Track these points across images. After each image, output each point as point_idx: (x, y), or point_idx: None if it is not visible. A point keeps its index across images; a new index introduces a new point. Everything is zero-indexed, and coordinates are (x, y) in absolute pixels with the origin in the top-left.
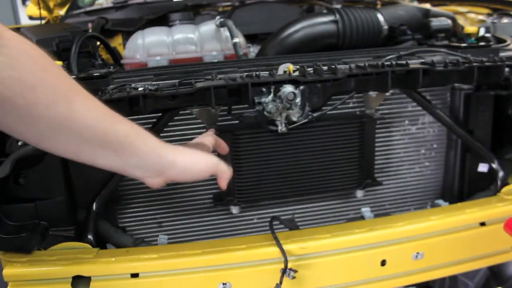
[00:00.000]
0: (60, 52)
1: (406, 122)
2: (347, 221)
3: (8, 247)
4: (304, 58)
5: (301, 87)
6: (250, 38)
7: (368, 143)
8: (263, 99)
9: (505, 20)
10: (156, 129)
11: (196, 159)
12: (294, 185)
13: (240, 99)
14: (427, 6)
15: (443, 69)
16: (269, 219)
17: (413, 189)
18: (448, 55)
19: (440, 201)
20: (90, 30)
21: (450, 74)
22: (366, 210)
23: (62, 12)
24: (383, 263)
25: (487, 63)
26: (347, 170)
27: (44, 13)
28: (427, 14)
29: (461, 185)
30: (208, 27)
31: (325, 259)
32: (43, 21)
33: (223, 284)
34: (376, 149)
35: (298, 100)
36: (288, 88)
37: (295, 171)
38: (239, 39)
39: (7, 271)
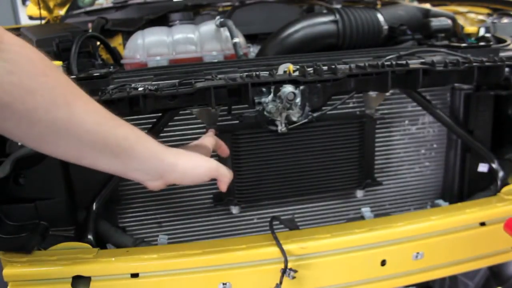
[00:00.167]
0: (60, 52)
1: (406, 122)
2: (347, 221)
3: (8, 247)
4: (304, 58)
5: (301, 87)
6: (250, 38)
7: (368, 143)
8: (263, 99)
9: (505, 20)
10: (156, 129)
11: (197, 163)
12: (294, 185)
13: (240, 99)
14: (427, 6)
15: (443, 69)
16: (269, 219)
17: (413, 189)
18: (448, 55)
19: (440, 201)
20: (90, 30)
21: (450, 74)
22: (366, 210)
23: (62, 12)
24: (383, 263)
25: (487, 63)
26: (347, 170)
27: (44, 13)
28: (427, 14)
29: (461, 185)
30: (208, 27)
31: (325, 259)
32: (43, 21)
33: (223, 284)
34: (376, 149)
35: (298, 100)
36: (288, 88)
37: (295, 171)
38: (239, 39)
39: (7, 271)
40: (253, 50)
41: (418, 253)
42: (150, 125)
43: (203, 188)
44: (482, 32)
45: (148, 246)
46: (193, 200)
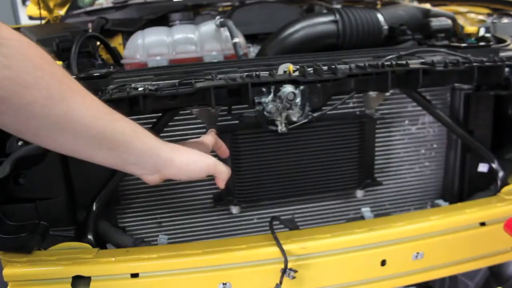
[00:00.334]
0: (60, 52)
1: (406, 122)
2: (347, 221)
3: (8, 247)
4: (304, 58)
5: (301, 87)
6: (250, 38)
7: (368, 143)
8: (263, 99)
9: (505, 20)
10: (156, 129)
11: (194, 159)
12: (294, 185)
13: (240, 99)
14: (427, 6)
15: (443, 69)
16: (269, 219)
17: (413, 189)
18: (448, 55)
19: (440, 201)
20: (90, 30)
21: (450, 74)
22: (366, 210)
23: (62, 12)
24: (383, 263)
25: (487, 63)
26: (347, 170)
27: (44, 13)
28: (427, 14)
29: (461, 185)
30: (208, 27)
31: (325, 259)
32: (43, 21)
33: (223, 284)
34: (376, 149)
35: (298, 100)
36: (288, 88)
37: (295, 171)
38: (239, 39)
39: (7, 271)
40: (253, 50)
41: (418, 253)
42: (150, 125)
43: (203, 188)
44: (482, 32)
45: (148, 246)
46: (193, 200)
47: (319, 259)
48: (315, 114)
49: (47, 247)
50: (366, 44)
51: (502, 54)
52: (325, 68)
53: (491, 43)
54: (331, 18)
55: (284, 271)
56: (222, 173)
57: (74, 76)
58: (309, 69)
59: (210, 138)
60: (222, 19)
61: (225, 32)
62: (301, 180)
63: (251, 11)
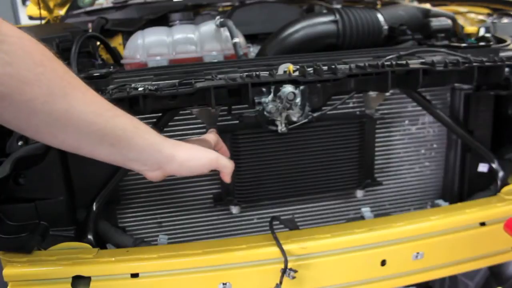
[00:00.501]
0: (60, 52)
1: (406, 122)
2: (347, 221)
3: (8, 247)
4: (304, 58)
5: (301, 87)
6: (250, 38)
7: (368, 143)
8: (263, 99)
9: (505, 20)
10: (156, 129)
11: (195, 154)
12: (294, 185)
13: (240, 99)
14: (427, 6)
15: (443, 69)
16: (269, 219)
17: (413, 189)
18: (448, 55)
19: (440, 201)
20: (90, 30)
21: (450, 74)
22: (366, 210)
23: (62, 12)
24: (383, 263)
25: (487, 63)
26: (347, 170)
27: (44, 13)
28: (427, 14)
29: (461, 185)
30: (208, 27)
31: (325, 259)
32: (43, 21)
33: (223, 284)
34: (376, 149)
35: (298, 100)
36: (288, 88)
37: (295, 171)
38: (239, 39)
39: (7, 271)
40: (253, 50)
41: (418, 253)
42: (150, 125)
43: (203, 188)
44: (482, 32)
45: (148, 246)
46: (193, 200)
47: (319, 259)
48: (315, 114)
49: (47, 247)
50: (366, 44)
51: (502, 54)
52: (325, 68)
53: (491, 43)
54: (331, 18)
55: (284, 271)
56: (226, 167)
57: None
58: (309, 69)
59: (212, 136)
60: (222, 19)
61: (225, 32)
62: (301, 180)
63: (251, 11)
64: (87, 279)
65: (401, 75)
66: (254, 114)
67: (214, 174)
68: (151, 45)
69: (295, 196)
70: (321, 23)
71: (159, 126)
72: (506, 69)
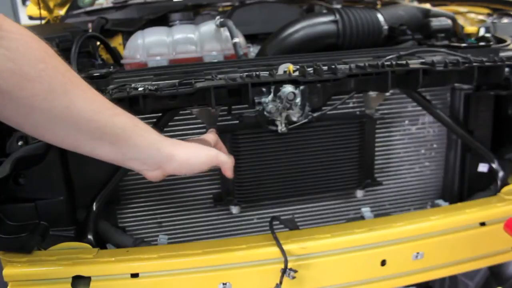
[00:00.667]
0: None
1: (406, 122)
2: (347, 221)
3: (8, 247)
4: (304, 58)
5: (301, 87)
6: (250, 38)
7: (368, 143)
8: (263, 99)
9: (505, 20)
10: (156, 129)
11: (195, 152)
12: (294, 185)
13: (240, 99)
14: (427, 6)
15: (443, 69)
16: (269, 219)
17: (413, 189)
18: (448, 55)
19: (440, 201)
20: (90, 30)
21: (450, 74)
22: (366, 210)
23: (62, 12)
24: (383, 263)
25: (487, 63)
26: (347, 170)
27: (44, 13)
28: (427, 14)
29: (461, 185)
30: (208, 27)
31: (325, 259)
32: (43, 21)
33: (223, 284)
34: (376, 149)
35: (298, 100)
36: (288, 88)
37: (295, 171)
38: (239, 39)
39: (7, 271)
40: (253, 50)
41: (418, 253)
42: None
43: (203, 188)
44: (482, 32)
45: (148, 246)
46: (193, 200)
47: (319, 259)
48: (315, 114)
49: (47, 247)
50: (366, 44)
51: (502, 54)
52: (325, 68)
53: (491, 43)
54: (331, 18)
55: (284, 271)
56: (226, 162)
57: None
58: (309, 69)
59: (212, 136)
60: (222, 19)
61: (225, 32)
62: (301, 180)
63: (251, 11)
64: (87, 279)
65: (401, 75)
66: (254, 114)
67: (214, 174)
68: (151, 45)
69: (295, 196)
70: (321, 23)
71: (159, 126)
72: (506, 69)
